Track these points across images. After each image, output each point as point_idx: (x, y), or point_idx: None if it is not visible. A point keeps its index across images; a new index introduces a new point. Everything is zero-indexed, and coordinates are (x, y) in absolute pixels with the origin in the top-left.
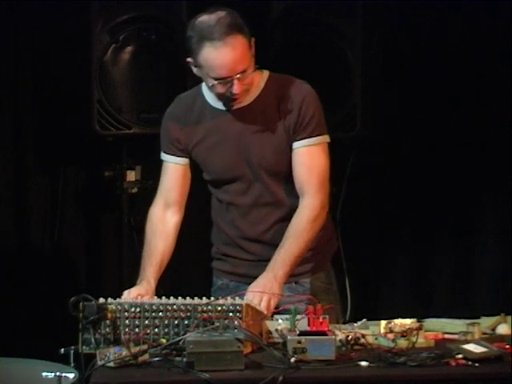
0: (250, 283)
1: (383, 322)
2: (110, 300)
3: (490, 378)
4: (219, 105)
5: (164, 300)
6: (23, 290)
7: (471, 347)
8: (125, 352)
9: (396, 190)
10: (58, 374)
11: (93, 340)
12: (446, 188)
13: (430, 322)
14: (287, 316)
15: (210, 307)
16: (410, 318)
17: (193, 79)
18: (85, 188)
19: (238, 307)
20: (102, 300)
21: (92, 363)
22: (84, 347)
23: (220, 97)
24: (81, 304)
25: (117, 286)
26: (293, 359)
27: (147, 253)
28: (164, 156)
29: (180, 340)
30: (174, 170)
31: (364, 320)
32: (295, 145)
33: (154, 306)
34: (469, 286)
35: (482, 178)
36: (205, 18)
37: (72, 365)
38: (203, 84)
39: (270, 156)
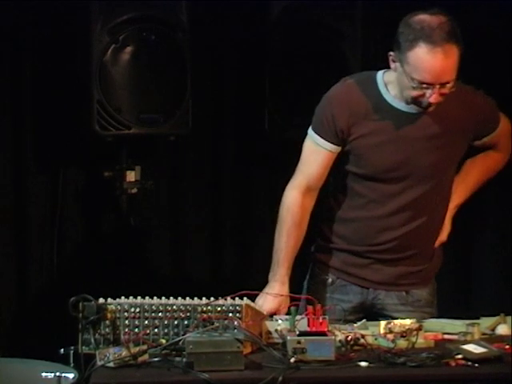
0: (358, 284)
1: (383, 323)
2: (109, 300)
3: (489, 378)
4: (397, 103)
5: (164, 300)
6: (23, 290)
7: (471, 347)
8: (124, 352)
9: None
10: (57, 374)
11: (92, 340)
12: None
13: (430, 322)
14: (287, 316)
15: (209, 307)
16: (409, 318)
17: (193, 79)
18: (85, 188)
19: (237, 307)
20: (101, 300)
21: (92, 363)
22: (84, 347)
23: (410, 100)
24: (81, 304)
25: (117, 286)
26: (292, 359)
27: (285, 243)
28: (317, 139)
29: (180, 340)
30: (326, 156)
31: (364, 320)
32: (484, 139)
33: (153, 307)
34: (469, 286)
35: None
36: (425, 18)
37: (72, 365)
38: (378, 76)
39: (444, 164)
